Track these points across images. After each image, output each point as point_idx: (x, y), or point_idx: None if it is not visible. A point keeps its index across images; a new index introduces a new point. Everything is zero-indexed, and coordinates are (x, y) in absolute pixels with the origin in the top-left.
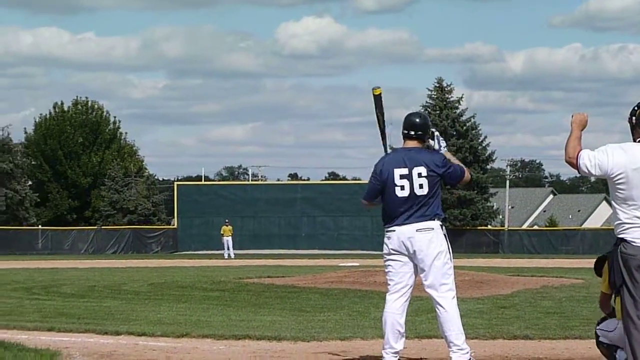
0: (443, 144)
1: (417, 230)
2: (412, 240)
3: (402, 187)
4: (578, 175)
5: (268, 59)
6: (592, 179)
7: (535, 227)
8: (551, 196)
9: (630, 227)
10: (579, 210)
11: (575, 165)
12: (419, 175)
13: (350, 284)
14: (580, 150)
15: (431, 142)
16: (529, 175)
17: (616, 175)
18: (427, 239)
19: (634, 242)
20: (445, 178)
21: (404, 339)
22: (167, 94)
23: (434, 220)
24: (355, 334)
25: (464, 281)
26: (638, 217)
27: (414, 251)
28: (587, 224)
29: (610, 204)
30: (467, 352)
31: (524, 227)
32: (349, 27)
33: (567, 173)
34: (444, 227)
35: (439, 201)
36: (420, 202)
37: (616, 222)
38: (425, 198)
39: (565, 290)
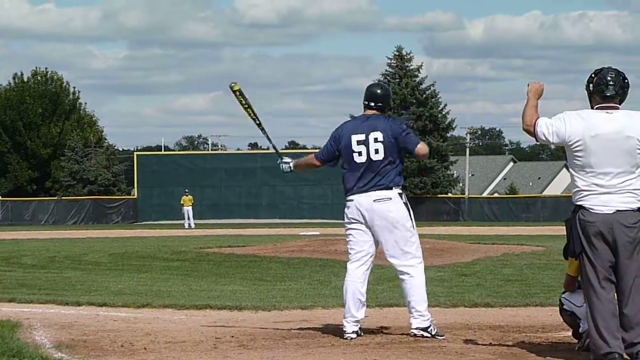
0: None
1: (374, 201)
2: (370, 211)
3: (360, 153)
4: (537, 143)
5: (227, 28)
6: (552, 146)
7: (496, 195)
8: (511, 164)
9: (589, 194)
10: (539, 178)
11: (533, 133)
12: (375, 140)
13: (311, 253)
14: (538, 118)
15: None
16: (489, 143)
17: (574, 143)
18: (385, 209)
19: (592, 209)
20: (401, 142)
21: (364, 307)
22: (127, 64)
23: (391, 189)
24: (316, 302)
25: (425, 249)
26: (596, 184)
27: (372, 222)
28: (548, 192)
29: (569, 171)
30: (428, 319)
31: (485, 195)
32: None
33: (527, 141)
34: (403, 195)
35: (399, 169)
36: (377, 169)
37: (574, 190)
38: (382, 164)
39: (525, 257)
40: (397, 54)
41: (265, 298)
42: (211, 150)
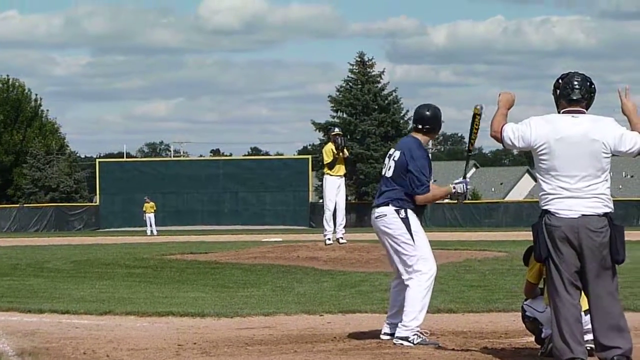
0: (458, 186)
1: (375, 218)
2: (375, 226)
3: (384, 166)
4: (501, 148)
5: (190, 34)
6: (515, 151)
7: None
8: (474, 169)
9: (554, 198)
10: (501, 183)
11: (499, 139)
12: (393, 158)
13: (273, 260)
14: (505, 124)
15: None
16: (451, 148)
17: (539, 147)
18: (381, 225)
19: (557, 213)
20: (409, 176)
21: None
22: (90, 71)
23: (387, 205)
24: (278, 309)
25: (387, 255)
26: (562, 188)
27: (378, 235)
28: (510, 197)
29: (533, 177)
30: (409, 329)
31: (447, 200)
32: (273, 2)
33: (490, 146)
34: (402, 211)
35: (405, 189)
36: (385, 185)
37: (540, 194)
38: (389, 181)
39: (488, 263)
40: (359, 60)
41: (228, 305)
42: (173, 157)
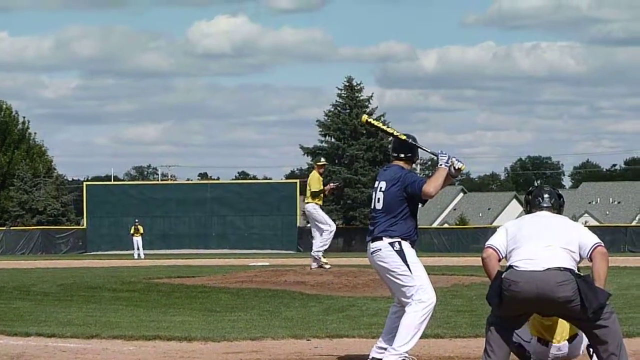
0: (442, 160)
1: (371, 253)
2: (370, 260)
3: (372, 199)
4: (488, 173)
5: (180, 58)
6: (502, 177)
7: (446, 226)
8: (461, 194)
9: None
10: (489, 209)
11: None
12: (380, 189)
13: (261, 284)
14: (495, 266)
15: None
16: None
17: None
18: (377, 259)
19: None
20: (409, 191)
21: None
22: (79, 94)
23: (381, 239)
24: (266, 333)
25: (375, 280)
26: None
27: (375, 269)
28: (498, 222)
29: (520, 202)
30: (397, 355)
31: (434, 225)
32: (263, 26)
33: (477, 171)
34: (397, 244)
35: (397, 219)
36: (376, 218)
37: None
38: (380, 213)
39: (475, 288)
40: (347, 84)
41: (215, 329)
42: (161, 180)
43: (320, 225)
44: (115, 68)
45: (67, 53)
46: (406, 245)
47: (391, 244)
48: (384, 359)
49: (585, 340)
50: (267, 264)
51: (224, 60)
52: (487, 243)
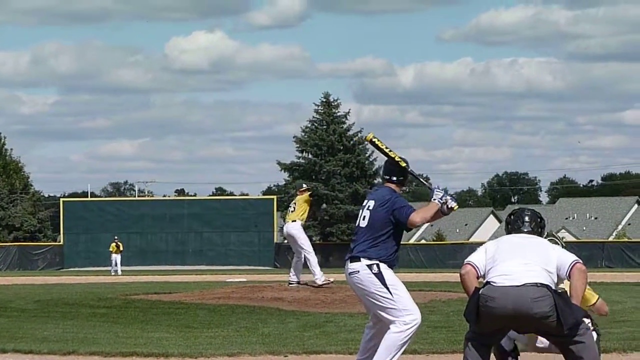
0: (437, 195)
1: (349, 274)
2: (348, 281)
3: (358, 217)
4: (465, 189)
5: (157, 74)
6: (479, 193)
7: (423, 242)
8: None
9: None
10: (466, 224)
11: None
12: (367, 207)
13: (238, 300)
14: (473, 282)
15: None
16: (416, 189)
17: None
18: (356, 282)
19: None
20: (396, 216)
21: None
22: (56, 110)
23: (359, 260)
24: (243, 350)
25: (352, 296)
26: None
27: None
28: (475, 238)
29: (497, 218)
30: None
31: (412, 241)
32: (241, 42)
33: (454, 187)
34: (374, 266)
35: (379, 241)
36: (358, 236)
37: None
38: (363, 232)
39: (452, 304)
40: (324, 100)
41: (192, 345)
42: (138, 196)
43: (301, 248)
44: (92, 84)
45: (44, 69)
46: (385, 268)
47: (369, 266)
48: None
49: None
50: (245, 280)
51: (201, 76)
52: (466, 260)
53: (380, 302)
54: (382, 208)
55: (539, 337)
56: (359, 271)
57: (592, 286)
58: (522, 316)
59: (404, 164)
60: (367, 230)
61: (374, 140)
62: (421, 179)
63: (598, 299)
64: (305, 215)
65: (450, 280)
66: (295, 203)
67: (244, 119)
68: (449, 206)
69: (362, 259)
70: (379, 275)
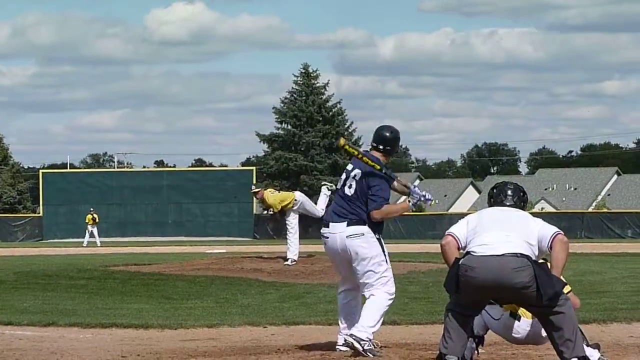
0: (414, 199)
1: (348, 236)
2: (341, 244)
3: (341, 180)
4: (445, 160)
5: (137, 45)
6: (459, 163)
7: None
8: (417, 181)
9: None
10: (445, 195)
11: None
12: (354, 177)
13: (217, 271)
14: (454, 252)
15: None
16: (395, 160)
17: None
18: (357, 244)
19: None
20: (369, 192)
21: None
22: (36, 82)
23: (363, 225)
24: (222, 321)
25: (331, 267)
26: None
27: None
28: (454, 209)
29: (477, 189)
30: (366, 333)
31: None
32: (220, 13)
33: (434, 158)
34: (375, 233)
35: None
36: (350, 203)
37: None
38: (354, 200)
39: (432, 275)
40: (303, 71)
41: (172, 316)
42: (117, 168)
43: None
44: (72, 55)
45: (24, 40)
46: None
47: (373, 231)
48: (354, 333)
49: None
50: (224, 251)
51: (181, 48)
52: (447, 231)
53: (372, 268)
54: (363, 182)
55: (515, 327)
56: (363, 234)
57: (571, 257)
58: (502, 286)
59: (378, 167)
60: (358, 199)
61: (346, 147)
62: (400, 180)
63: (570, 291)
64: (283, 204)
65: (429, 251)
66: (269, 206)
67: (223, 91)
68: (418, 206)
69: (365, 224)
70: (380, 241)
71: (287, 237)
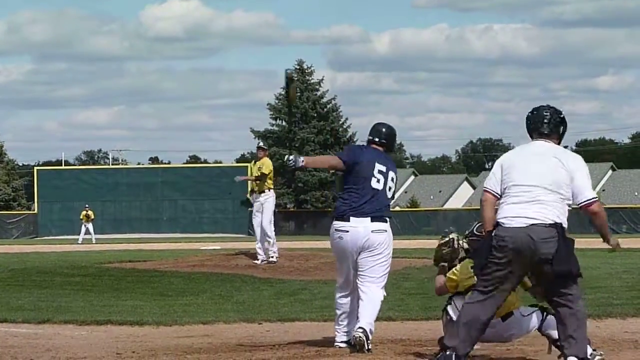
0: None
1: (373, 231)
2: (364, 236)
3: (378, 181)
4: (440, 156)
5: (132, 42)
6: (453, 159)
7: (397, 208)
8: (412, 177)
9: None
10: (440, 191)
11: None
12: (392, 179)
13: (212, 268)
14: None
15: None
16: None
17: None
18: (382, 241)
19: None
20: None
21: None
22: (31, 79)
23: (385, 222)
24: (217, 317)
25: (326, 263)
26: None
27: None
28: (449, 205)
29: (471, 185)
30: (371, 326)
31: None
32: (215, 9)
33: (429, 154)
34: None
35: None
36: (383, 202)
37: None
38: (383, 198)
39: (427, 271)
40: (298, 67)
41: (167, 313)
42: (112, 164)
43: (264, 224)
44: (67, 52)
45: (19, 37)
46: None
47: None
48: (363, 325)
49: (531, 325)
50: (219, 247)
51: (176, 44)
52: (484, 185)
53: (384, 265)
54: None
55: (505, 326)
56: (386, 231)
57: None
58: (528, 256)
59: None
60: (387, 200)
61: (292, 77)
62: (290, 116)
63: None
64: (271, 173)
65: (424, 247)
66: (264, 171)
67: (219, 87)
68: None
69: (386, 222)
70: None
71: (263, 226)
